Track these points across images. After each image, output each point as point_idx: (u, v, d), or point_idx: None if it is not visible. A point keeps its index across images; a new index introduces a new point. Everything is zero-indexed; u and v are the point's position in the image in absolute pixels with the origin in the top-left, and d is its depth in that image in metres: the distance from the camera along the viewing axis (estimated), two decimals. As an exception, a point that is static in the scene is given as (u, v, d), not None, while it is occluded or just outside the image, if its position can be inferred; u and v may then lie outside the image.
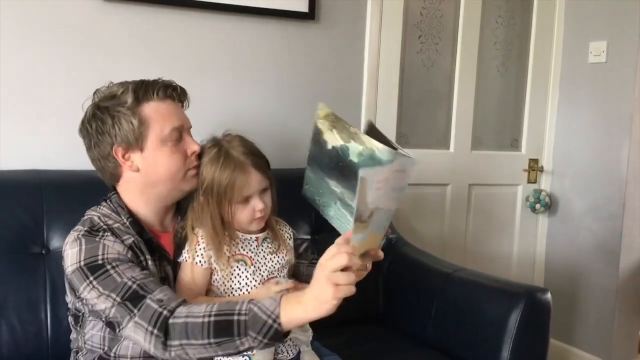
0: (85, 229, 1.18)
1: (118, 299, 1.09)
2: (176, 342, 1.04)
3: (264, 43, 2.06)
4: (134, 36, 1.86)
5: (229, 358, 1.20)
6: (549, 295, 1.58)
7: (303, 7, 2.07)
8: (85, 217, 1.23)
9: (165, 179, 1.23)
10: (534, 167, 2.67)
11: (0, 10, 1.69)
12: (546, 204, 2.62)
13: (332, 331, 1.35)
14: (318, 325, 1.29)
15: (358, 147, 1.07)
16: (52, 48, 1.76)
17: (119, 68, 1.84)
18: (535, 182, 2.68)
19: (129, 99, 1.20)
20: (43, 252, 1.54)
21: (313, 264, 1.36)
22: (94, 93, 1.26)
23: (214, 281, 1.24)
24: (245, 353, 1.19)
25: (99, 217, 1.22)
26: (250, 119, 2.02)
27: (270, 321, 1.00)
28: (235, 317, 1.02)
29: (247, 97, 2.05)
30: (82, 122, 1.25)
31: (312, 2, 2.08)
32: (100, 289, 1.10)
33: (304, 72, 2.14)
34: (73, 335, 1.29)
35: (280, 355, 1.23)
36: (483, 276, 1.77)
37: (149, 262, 1.19)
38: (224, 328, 1.02)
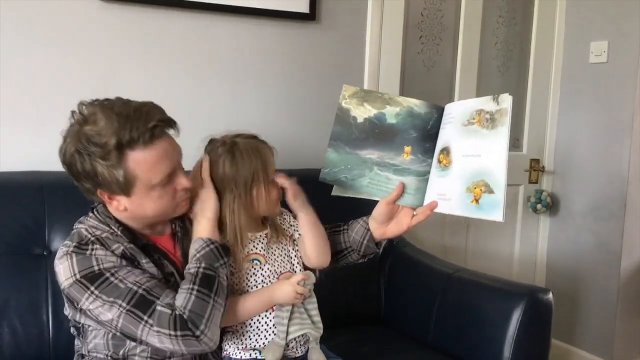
0: (74, 244, 1.14)
1: (124, 304, 1.08)
2: (202, 326, 1.08)
3: (264, 44, 2.06)
4: (134, 38, 1.86)
5: (242, 352, 1.24)
6: (550, 296, 1.58)
7: (303, 8, 2.07)
8: (74, 231, 1.20)
9: (153, 216, 1.21)
10: (535, 167, 2.66)
11: (0, 12, 1.70)
12: (547, 204, 2.62)
13: (333, 332, 1.34)
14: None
15: (394, 110, 1.23)
16: (52, 49, 1.76)
17: (119, 70, 1.85)
18: (536, 182, 2.68)
19: (113, 150, 1.08)
20: (44, 253, 1.54)
21: (336, 231, 1.42)
22: (72, 114, 1.13)
23: (230, 281, 1.24)
24: (255, 348, 1.23)
25: (86, 230, 1.18)
26: (251, 120, 2.02)
27: (211, 246, 1.16)
28: (201, 270, 1.13)
29: (247, 98, 2.05)
30: (64, 154, 1.13)
31: (312, 2, 2.08)
32: (104, 297, 1.09)
33: (305, 73, 2.14)
34: (77, 343, 1.27)
35: (289, 351, 1.24)
36: (484, 276, 1.76)
37: (146, 266, 1.17)
38: (208, 279, 1.12)
